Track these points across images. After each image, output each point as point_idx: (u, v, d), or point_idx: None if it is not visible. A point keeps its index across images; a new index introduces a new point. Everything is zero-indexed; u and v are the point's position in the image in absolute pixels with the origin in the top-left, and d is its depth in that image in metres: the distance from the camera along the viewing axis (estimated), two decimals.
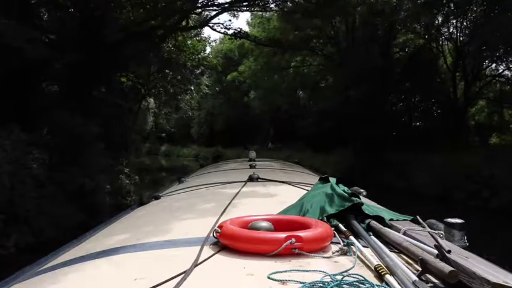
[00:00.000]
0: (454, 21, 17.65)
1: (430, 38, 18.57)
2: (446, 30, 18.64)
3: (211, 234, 1.72)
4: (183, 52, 18.88)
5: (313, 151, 24.07)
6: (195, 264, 1.41)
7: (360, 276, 1.28)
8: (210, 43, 26.72)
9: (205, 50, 22.92)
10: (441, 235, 1.70)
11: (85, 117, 9.01)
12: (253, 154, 6.61)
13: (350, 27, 20.48)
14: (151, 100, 27.44)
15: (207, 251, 1.57)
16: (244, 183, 3.55)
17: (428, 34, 18.48)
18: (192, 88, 28.38)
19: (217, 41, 37.40)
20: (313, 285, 1.19)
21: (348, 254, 1.53)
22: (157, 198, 3.46)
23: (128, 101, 14.89)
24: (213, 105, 40.39)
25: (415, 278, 1.24)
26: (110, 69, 11.61)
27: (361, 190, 3.03)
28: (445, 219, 1.76)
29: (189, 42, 19.61)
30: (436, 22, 18.13)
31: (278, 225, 1.75)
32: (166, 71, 20.29)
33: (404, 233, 1.78)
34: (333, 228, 1.75)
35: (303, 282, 1.21)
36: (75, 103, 9.38)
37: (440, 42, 19.08)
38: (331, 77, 23.42)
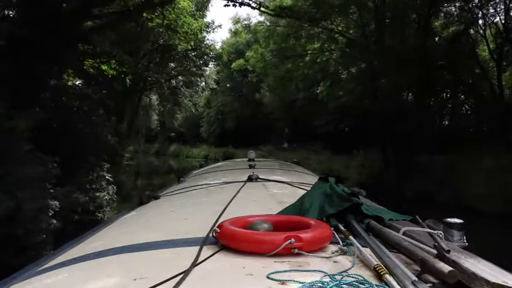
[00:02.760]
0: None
1: (470, 21, 15.39)
2: (488, 11, 15.56)
3: (211, 234, 1.72)
4: (176, 33, 16.33)
5: (332, 152, 22.07)
6: (194, 264, 1.41)
7: (359, 276, 1.28)
8: (214, 28, 22.82)
9: (201, 31, 19.61)
10: (440, 235, 1.70)
11: (24, 108, 6.69)
12: (252, 154, 6.61)
13: (379, 3, 16.63)
14: (154, 97, 25.98)
15: (207, 251, 1.57)
16: (243, 183, 3.55)
17: (467, 17, 15.35)
18: (198, 81, 25.95)
19: (227, 33, 35.37)
20: (312, 285, 1.19)
21: (347, 254, 1.53)
22: (156, 198, 3.47)
23: (101, 91, 12.43)
24: (223, 103, 38.39)
25: (414, 278, 1.24)
26: (68, 47, 9.14)
27: (361, 190, 3.03)
28: (444, 219, 1.77)
29: (183, 21, 16.61)
30: (478, 3, 15.21)
31: (277, 225, 1.75)
32: (169, 62, 18.26)
33: (404, 233, 1.78)
34: (332, 228, 1.75)
35: (302, 282, 1.21)
36: (14, 90, 7.12)
37: (483, 27, 15.91)
38: (355, 65, 19.80)
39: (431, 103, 18.05)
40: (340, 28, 18.69)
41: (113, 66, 13.28)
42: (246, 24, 23.77)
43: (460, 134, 16.67)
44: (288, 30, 17.98)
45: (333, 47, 19.90)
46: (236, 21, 30.72)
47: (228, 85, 37.97)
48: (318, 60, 20.24)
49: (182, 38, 17.01)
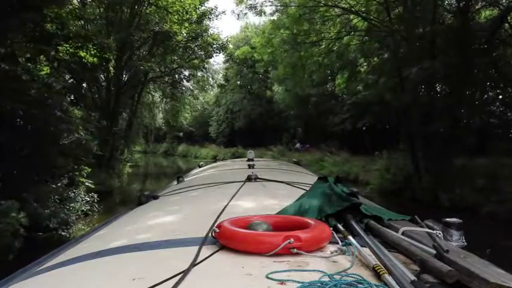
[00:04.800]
0: None
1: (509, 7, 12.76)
2: None
3: (210, 234, 1.73)
4: (166, 13, 14.73)
5: (349, 153, 20.46)
6: (194, 264, 1.41)
7: (358, 276, 1.28)
8: (217, 15, 20.50)
9: (196, 8, 17.37)
10: (439, 235, 1.70)
11: None
12: (252, 154, 6.64)
13: None
14: (157, 94, 24.93)
15: (206, 250, 1.57)
16: (242, 183, 3.55)
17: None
18: (204, 76, 24.43)
19: (230, 16, 33.10)
20: (311, 285, 1.19)
21: (347, 253, 1.53)
22: (155, 198, 3.47)
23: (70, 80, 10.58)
24: (232, 101, 36.81)
25: (413, 277, 1.24)
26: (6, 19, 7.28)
27: (360, 190, 3.03)
28: (443, 219, 1.77)
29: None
30: None
31: (276, 225, 1.75)
32: (168, 53, 16.65)
33: (403, 233, 1.79)
34: (331, 228, 1.76)
35: (301, 282, 1.21)
36: None
37: None
38: (377, 55, 17.39)
39: (469, 96, 14.84)
40: (360, 12, 16.11)
41: (92, 53, 10.97)
42: (250, 5, 22.23)
43: (501, 133, 14.65)
44: (300, 11, 15.81)
45: (352, 33, 17.23)
46: (239, 1, 29.24)
47: (238, 82, 36.32)
48: (335, 48, 17.59)
49: (175, 20, 15.29)
